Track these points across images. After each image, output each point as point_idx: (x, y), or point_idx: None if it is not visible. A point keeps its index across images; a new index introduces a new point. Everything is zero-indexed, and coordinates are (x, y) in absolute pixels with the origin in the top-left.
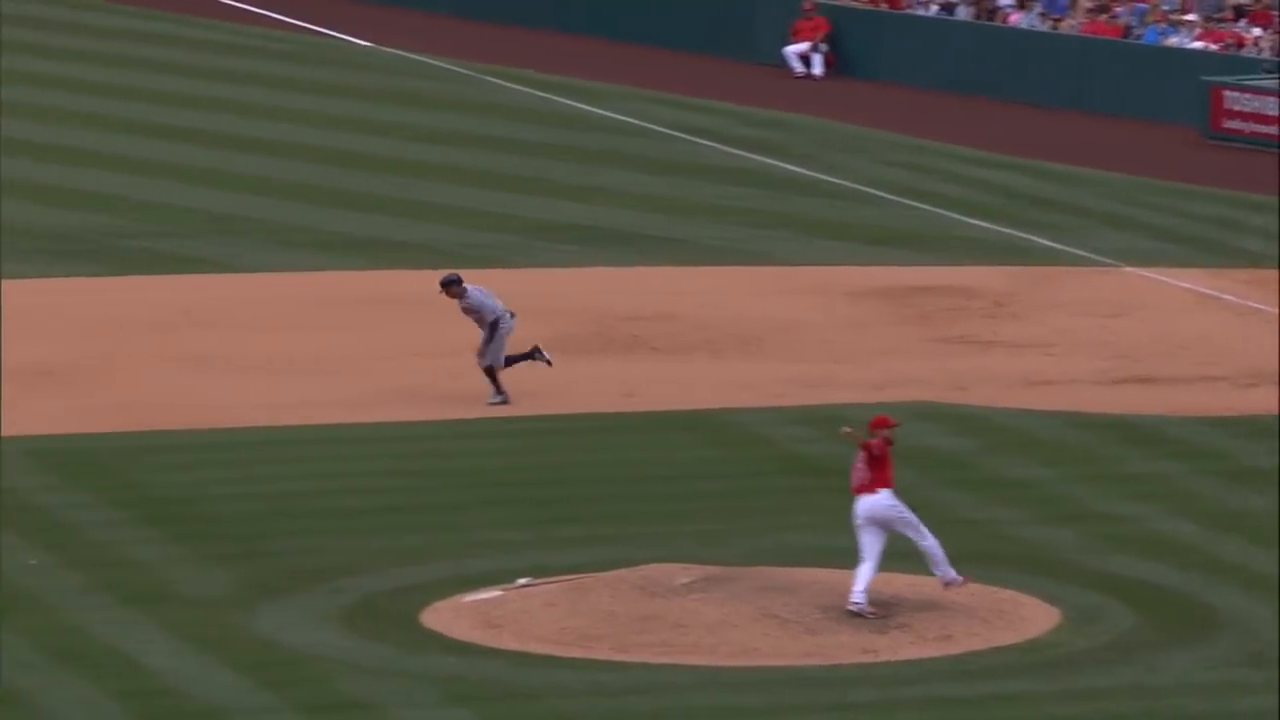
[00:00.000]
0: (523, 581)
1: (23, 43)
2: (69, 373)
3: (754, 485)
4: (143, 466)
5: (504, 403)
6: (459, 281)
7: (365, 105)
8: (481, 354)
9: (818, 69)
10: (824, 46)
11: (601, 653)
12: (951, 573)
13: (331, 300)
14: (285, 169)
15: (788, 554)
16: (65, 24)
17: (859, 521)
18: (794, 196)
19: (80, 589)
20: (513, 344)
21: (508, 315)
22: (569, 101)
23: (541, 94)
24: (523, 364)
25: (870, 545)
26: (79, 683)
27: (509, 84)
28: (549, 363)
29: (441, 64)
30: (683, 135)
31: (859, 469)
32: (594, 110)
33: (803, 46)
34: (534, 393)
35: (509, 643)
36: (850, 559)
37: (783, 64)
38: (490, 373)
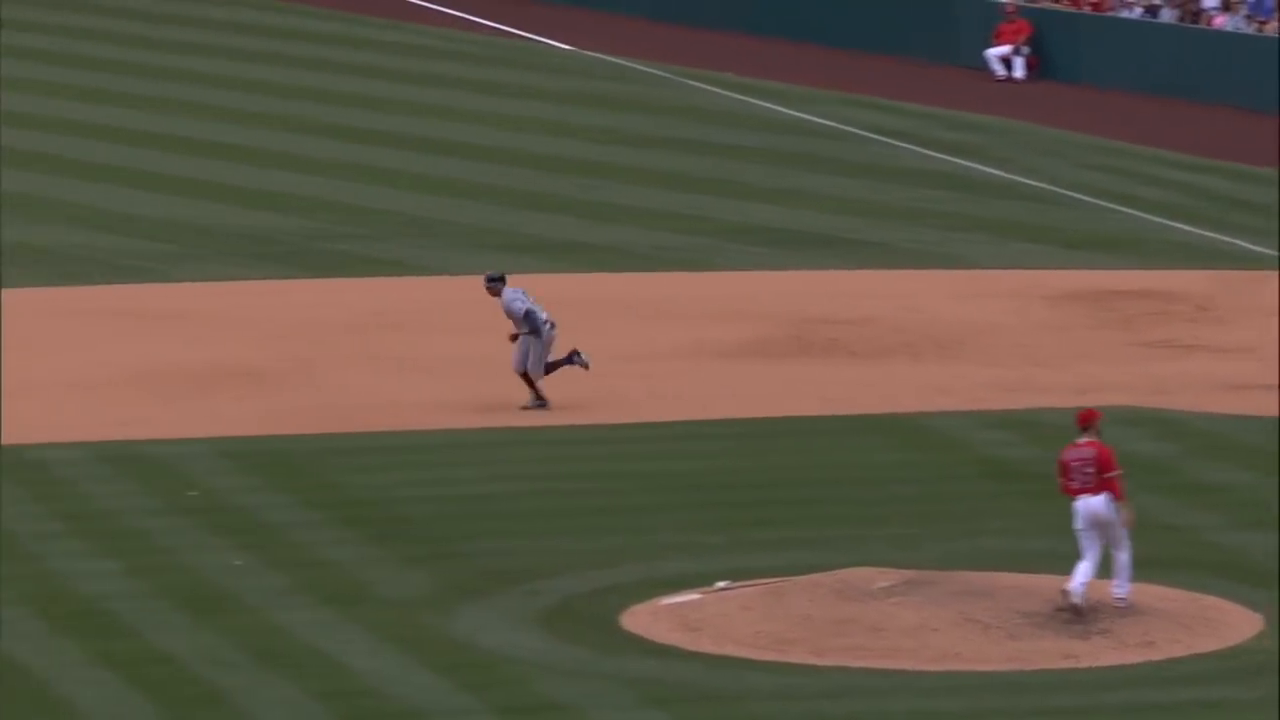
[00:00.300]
0: (720, 585)
1: (220, 46)
2: (267, 374)
3: (950, 489)
4: (340, 468)
5: (543, 408)
6: (499, 279)
7: (561, 108)
8: (518, 360)
9: (1019, 72)
10: (1025, 49)
11: (798, 656)
12: (1126, 592)
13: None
14: (480, 171)
15: (984, 558)
16: (264, 28)
17: (1079, 525)
18: (992, 199)
19: (282, 590)
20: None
21: (548, 325)
22: (766, 104)
23: (738, 96)
24: (563, 368)
25: (1090, 546)
26: (281, 683)
27: (706, 86)
28: (587, 366)
29: (638, 66)
30: (881, 138)
31: (1081, 470)
32: (791, 113)
33: (1004, 49)
34: (730, 396)
35: (706, 646)
36: (1046, 563)
37: (984, 67)
38: (527, 379)
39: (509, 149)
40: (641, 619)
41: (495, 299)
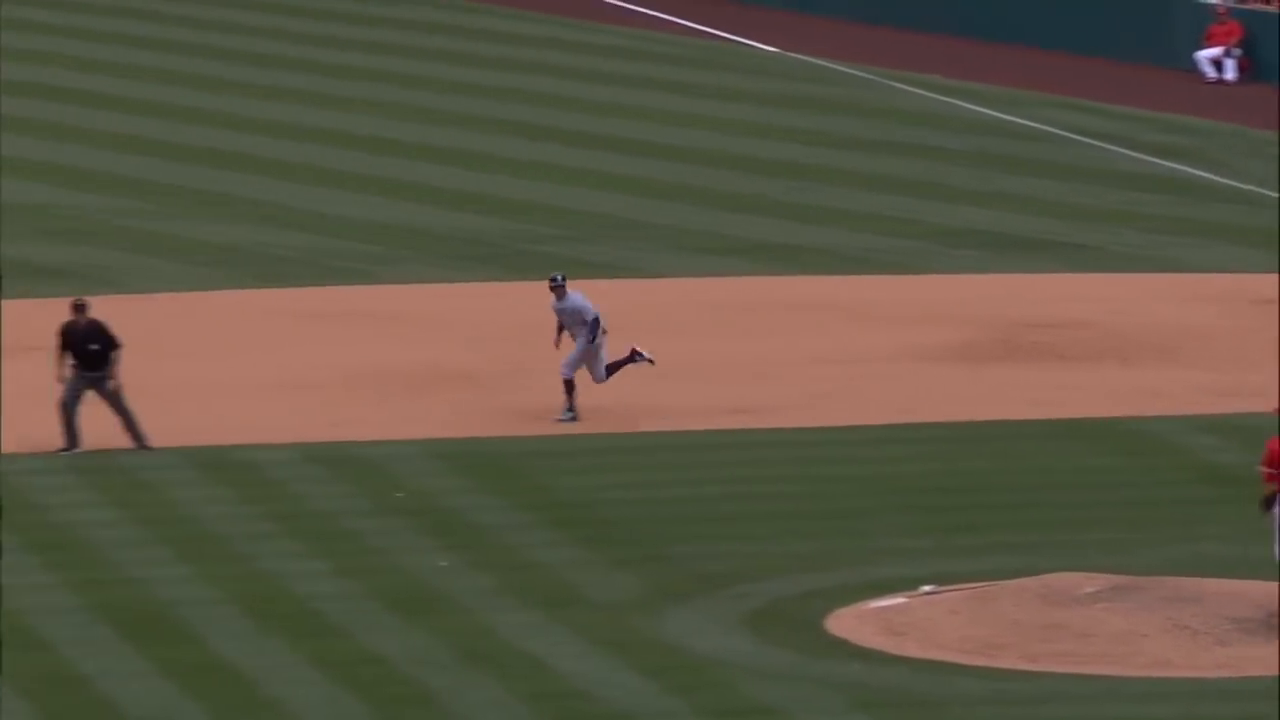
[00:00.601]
0: (927, 589)
1: (429, 48)
2: (477, 376)
3: (1162, 494)
4: (549, 470)
5: (573, 420)
6: (560, 282)
7: (766, 110)
8: (567, 363)
9: (1230, 74)
10: (1237, 51)
11: (1007, 661)
12: None
13: (732, 305)
14: (686, 173)
15: (1196, 564)
16: (473, 30)
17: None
18: (1201, 202)
19: (490, 591)
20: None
21: (602, 331)
22: (973, 106)
23: (944, 98)
24: (626, 368)
25: None
26: (489, 684)
27: (910, 88)
28: (651, 361)
29: (844, 69)
30: (1090, 140)
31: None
32: (997, 115)
33: (1215, 51)
34: (936, 400)
35: (912, 650)
36: (1264, 570)
37: (1194, 69)
38: (569, 385)
39: (715, 151)
40: (847, 622)
41: (557, 301)
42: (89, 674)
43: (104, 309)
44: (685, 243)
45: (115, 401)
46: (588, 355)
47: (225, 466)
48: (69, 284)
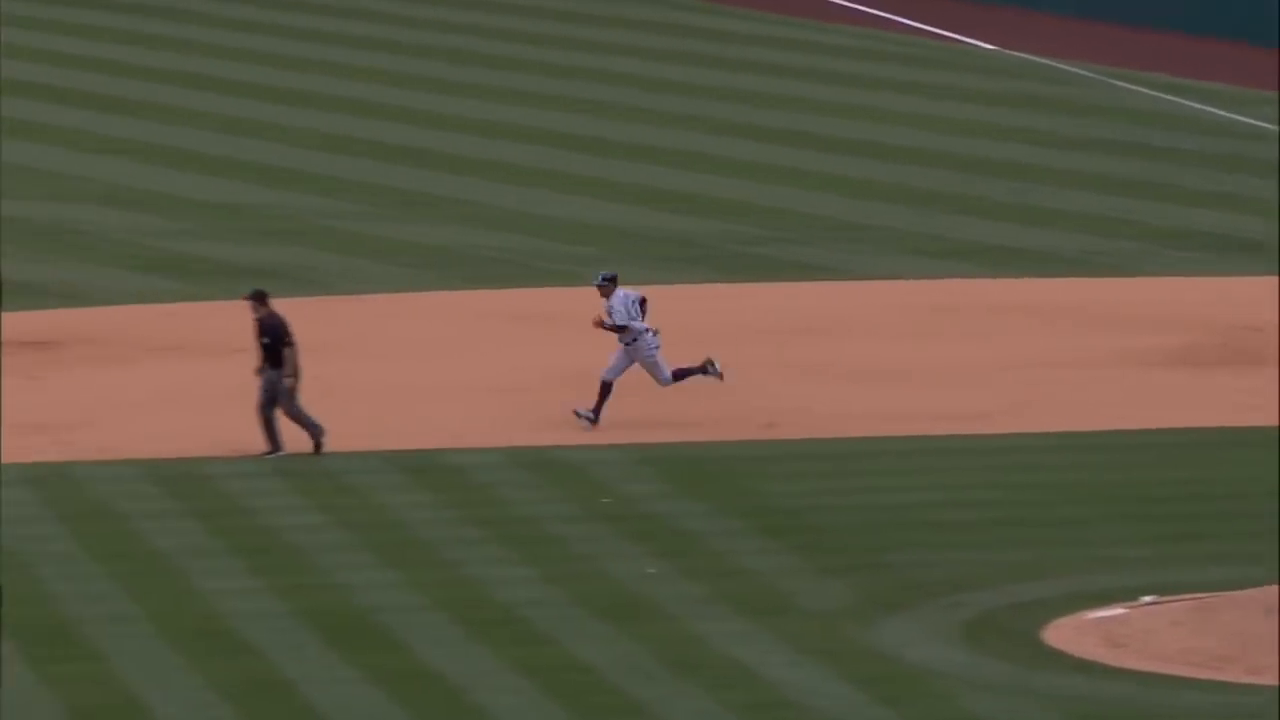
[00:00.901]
0: (1147, 599)
1: (640, 47)
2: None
3: None
4: (757, 475)
5: (591, 423)
6: (609, 281)
7: (987, 109)
8: (608, 367)
9: None
10: None
11: (1233, 675)
12: None
13: (952, 308)
14: (906, 174)
15: None
16: (684, 28)
17: None
18: None
19: (699, 599)
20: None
21: (649, 333)
22: (1199, 105)
23: (1170, 97)
24: (695, 378)
25: None
26: (699, 694)
27: (1135, 87)
28: (720, 376)
29: (1067, 67)
30: None
31: None
32: (1227, 115)
33: None
34: (1156, 405)
35: (1132, 662)
36: None
37: None
38: (605, 388)
39: (934, 151)
40: (1065, 633)
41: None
42: (293, 679)
43: (310, 310)
44: (902, 245)
45: (285, 400)
46: (631, 360)
47: (431, 470)
48: (275, 285)
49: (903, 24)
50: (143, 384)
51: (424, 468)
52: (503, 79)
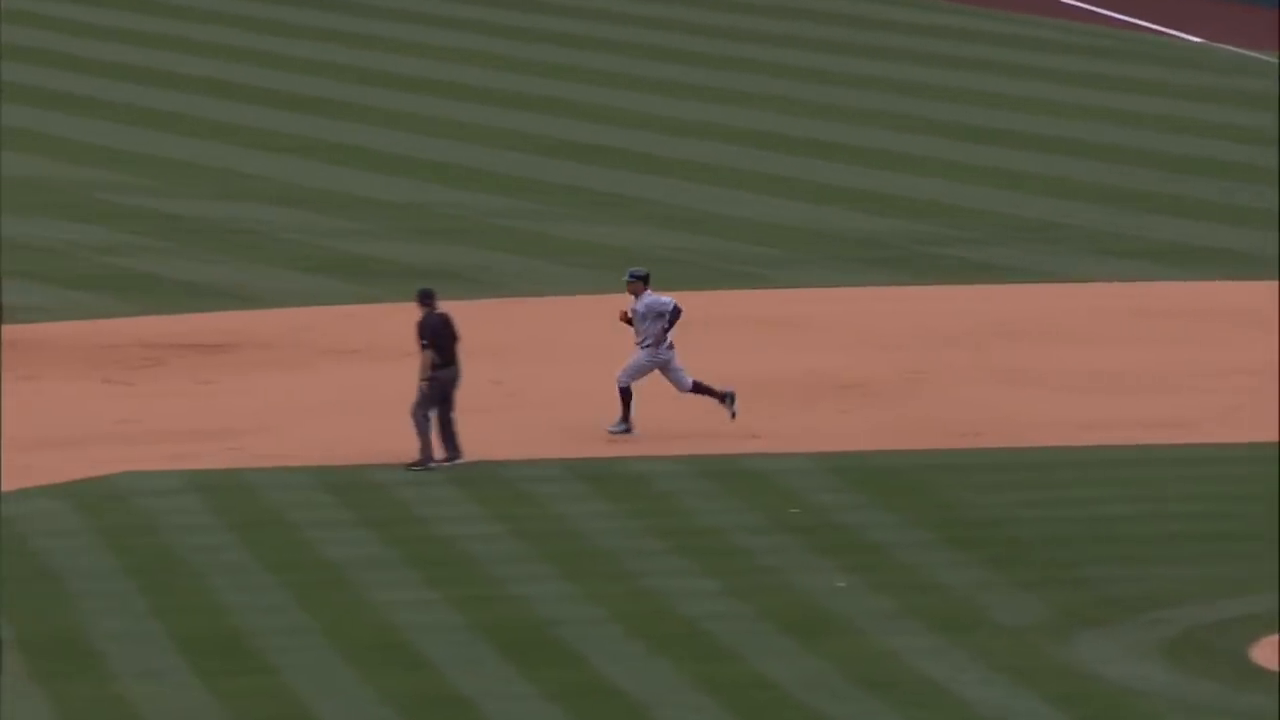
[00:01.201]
0: None
1: (827, 41)
2: (874, 386)
3: None
4: (951, 485)
5: (626, 432)
6: (638, 279)
7: (1191, 105)
8: (624, 370)
9: None
10: None
11: None
12: None
13: (1154, 312)
14: (1103, 172)
15: None
16: (875, 21)
17: None
18: None
19: (889, 614)
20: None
21: (664, 346)
22: None
23: None
24: (711, 399)
25: None
26: (888, 712)
27: None
28: (733, 416)
29: (1272, 60)
30: None
31: None
32: None
33: None
34: None
35: None
36: None
37: None
38: (625, 394)
39: (1132, 148)
40: (1274, 652)
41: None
42: (469, 694)
43: (487, 311)
44: (1100, 246)
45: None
46: (652, 365)
47: (611, 478)
48: (452, 286)
49: (1105, 16)
50: (316, 388)
51: (604, 476)
52: (687, 75)
